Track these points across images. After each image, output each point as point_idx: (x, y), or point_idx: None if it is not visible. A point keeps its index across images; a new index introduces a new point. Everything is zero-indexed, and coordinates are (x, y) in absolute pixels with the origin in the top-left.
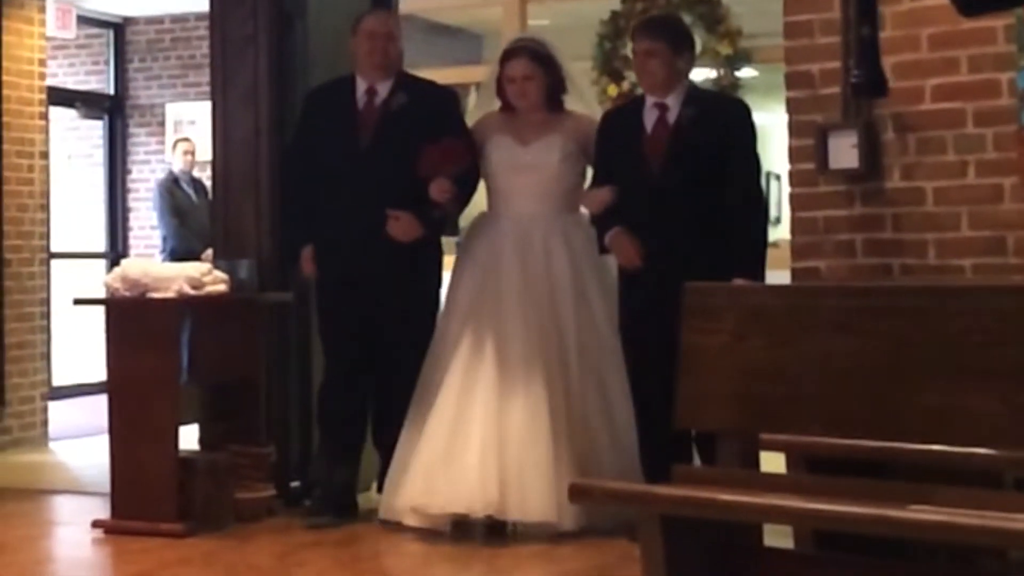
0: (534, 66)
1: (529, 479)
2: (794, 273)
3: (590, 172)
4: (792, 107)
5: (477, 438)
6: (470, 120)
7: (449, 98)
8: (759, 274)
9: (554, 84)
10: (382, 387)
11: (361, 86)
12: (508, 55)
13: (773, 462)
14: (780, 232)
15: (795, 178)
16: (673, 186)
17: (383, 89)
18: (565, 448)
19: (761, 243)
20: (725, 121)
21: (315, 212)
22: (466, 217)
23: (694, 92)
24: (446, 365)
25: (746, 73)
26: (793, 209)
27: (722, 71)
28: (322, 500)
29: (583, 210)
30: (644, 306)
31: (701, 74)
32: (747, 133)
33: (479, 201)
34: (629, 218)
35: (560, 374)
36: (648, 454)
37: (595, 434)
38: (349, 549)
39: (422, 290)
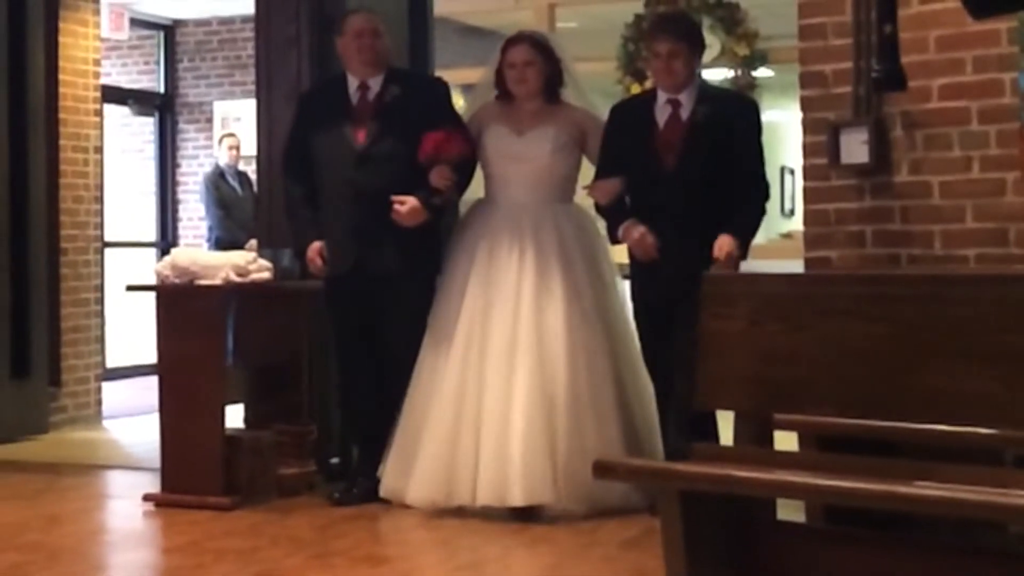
0: (535, 53)
1: (521, 465)
2: (807, 262)
3: (586, 163)
4: (806, 105)
5: (477, 428)
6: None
7: (441, 88)
8: (743, 243)
9: (552, 74)
10: (388, 375)
11: (353, 83)
12: (510, 43)
13: (786, 441)
14: (794, 223)
15: (808, 172)
16: (686, 180)
17: (375, 84)
18: (559, 432)
19: (756, 219)
20: (735, 119)
21: (318, 209)
22: (465, 203)
23: (705, 89)
24: (443, 350)
25: (762, 73)
26: (806, 202)
27: (740, 71)
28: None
29: (577, 199)
30: (657, 296)
31: (720, 74)
32: (755, 131)
33: (477, 187)
34: (640, 210)
35: (548, 359)
36: (667, 434)
37: (582, 420)
38: (386, 522)
39: (424, 281)
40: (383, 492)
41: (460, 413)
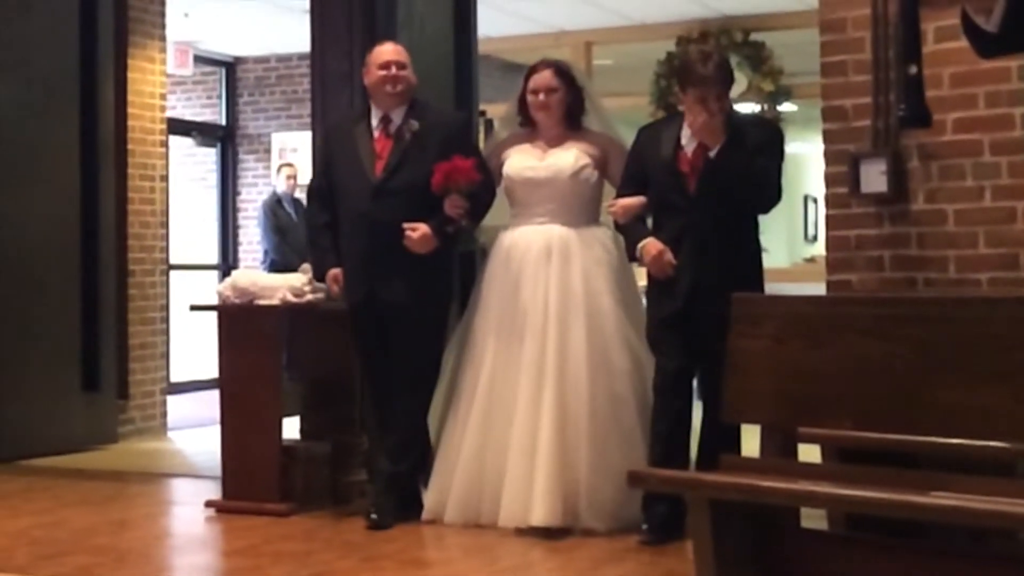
0: (558, 80)
1: (545, 487)
2: (829, 285)
3: (608, 186)
4: (828, 138)
5: (505, 450)
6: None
7: (461, 122)
8: (728, 142)
9: (574, 101)
10: (402, 399)
11: (376, 115)
12: (533, 70)
13: (810, 453)
14: (817, 248)
15: (830, 201)
16: (707, 202)
17: (397, 117)
18: (580, 452)
19: (757, 168)
20: (758, 142)
21: (339, 237)
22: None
23: (731, 115)
24: (475, 377)
25: (787, 107)
26: (828, 228)
27: (765, 105)
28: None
29: (604, 220)
30: (673, 314)
31: (746, 109)
32: (775, 148)
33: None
34: (661, 229)
35: (571, 382)
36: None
37: (604, 440)
38: (431, 529)
39: (435, 311)
40: (425, 515)
41: (489, 436)
